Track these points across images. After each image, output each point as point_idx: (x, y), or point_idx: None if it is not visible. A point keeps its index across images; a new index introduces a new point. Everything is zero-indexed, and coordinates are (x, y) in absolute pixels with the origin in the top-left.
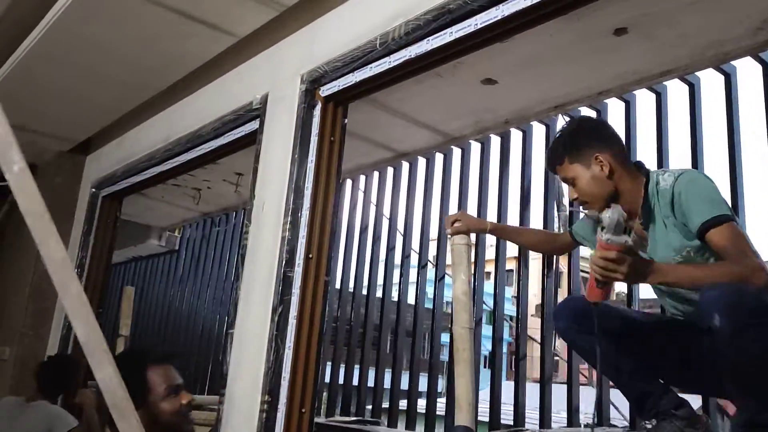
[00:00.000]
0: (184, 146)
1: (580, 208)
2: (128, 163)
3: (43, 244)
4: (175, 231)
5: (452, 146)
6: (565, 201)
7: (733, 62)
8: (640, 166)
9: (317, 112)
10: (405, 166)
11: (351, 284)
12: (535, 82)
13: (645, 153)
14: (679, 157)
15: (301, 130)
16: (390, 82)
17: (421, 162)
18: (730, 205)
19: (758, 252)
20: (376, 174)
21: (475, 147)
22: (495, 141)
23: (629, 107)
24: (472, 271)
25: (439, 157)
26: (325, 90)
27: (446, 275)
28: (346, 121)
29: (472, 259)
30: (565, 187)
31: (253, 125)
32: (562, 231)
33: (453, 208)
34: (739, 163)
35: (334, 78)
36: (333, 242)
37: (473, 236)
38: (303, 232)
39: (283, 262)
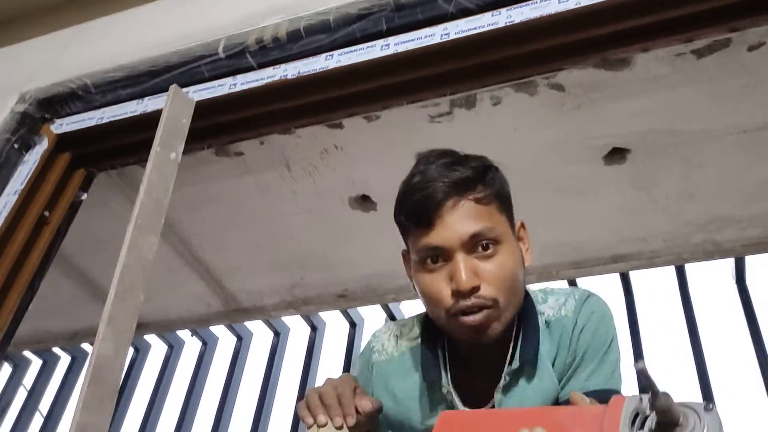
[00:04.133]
0: None
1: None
2: None
3: (140, 234)
4: None
5: (217, 326)
6: None
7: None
8: None
9: (33, 157)
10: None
11: None
12: None
13: None
14: None
15: None
16: (214, 132)
17: (157, 348)
18: None
19: None
20: (62, 363)
21: (263, 335)
22: (299, 330)
23: None
24: None
25: (191, 346)
26: (66, 124)
27: None
28: (84, 196)
29: None
30: None
31: None
32: None
33: None
34: None
35: (95, 105)
36: None
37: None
38: None
39: None
